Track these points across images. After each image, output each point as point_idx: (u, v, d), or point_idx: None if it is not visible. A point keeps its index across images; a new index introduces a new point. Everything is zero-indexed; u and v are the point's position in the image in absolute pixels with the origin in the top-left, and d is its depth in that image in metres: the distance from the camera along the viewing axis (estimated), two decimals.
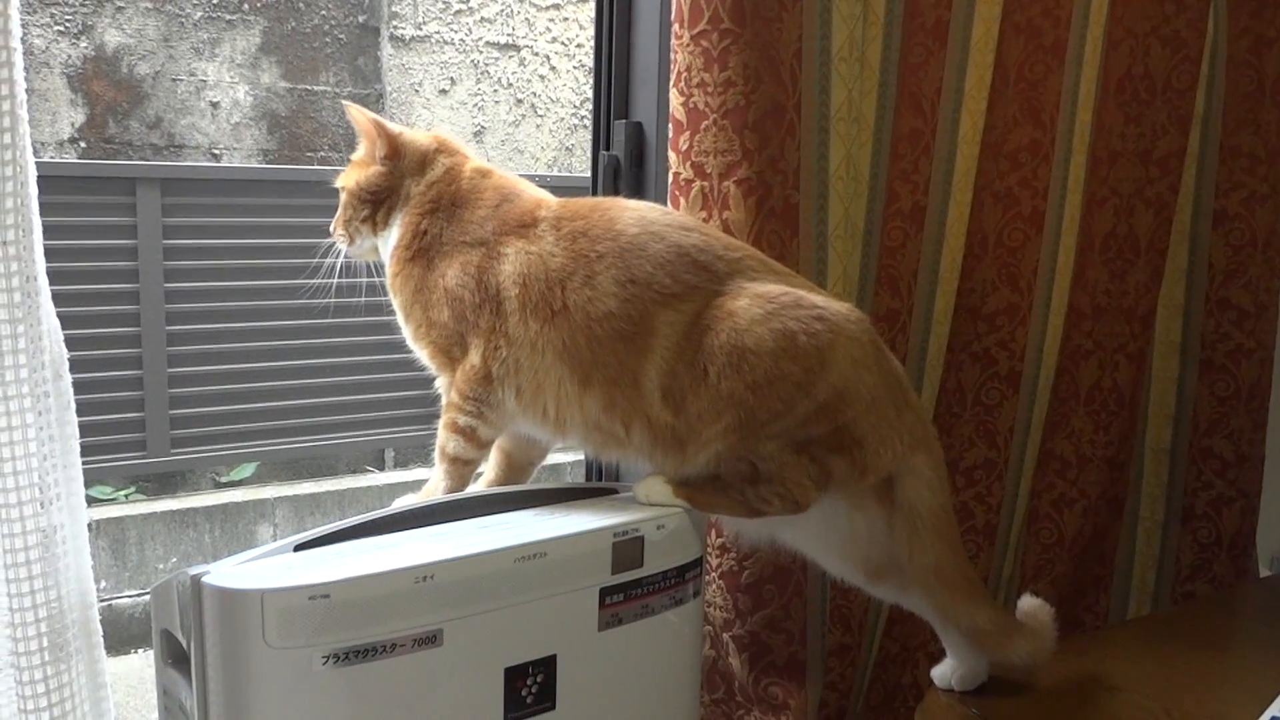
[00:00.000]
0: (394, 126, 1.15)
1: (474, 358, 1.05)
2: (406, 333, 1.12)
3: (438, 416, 1.11)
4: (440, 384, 1.11)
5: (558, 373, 1.03)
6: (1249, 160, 1.62)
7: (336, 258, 1.18)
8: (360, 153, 1.17)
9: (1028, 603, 1.15)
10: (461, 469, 1.08)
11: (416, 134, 1.16)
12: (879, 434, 1.02)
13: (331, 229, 1.18)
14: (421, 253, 1.09)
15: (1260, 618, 1.38)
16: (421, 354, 1.12)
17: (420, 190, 1.12)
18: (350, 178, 1.16)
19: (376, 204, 1.14)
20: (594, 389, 1.02)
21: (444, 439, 1.08)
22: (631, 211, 1.06)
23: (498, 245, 1.06)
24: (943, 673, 1.14)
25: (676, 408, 1.01)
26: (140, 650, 3.04)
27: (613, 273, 1.01)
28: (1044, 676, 1.16)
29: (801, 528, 1.10)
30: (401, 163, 1.13)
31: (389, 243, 1.13)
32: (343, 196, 1.17)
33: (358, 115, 1.14)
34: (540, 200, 1.10)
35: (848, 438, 1.01)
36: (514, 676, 0.92)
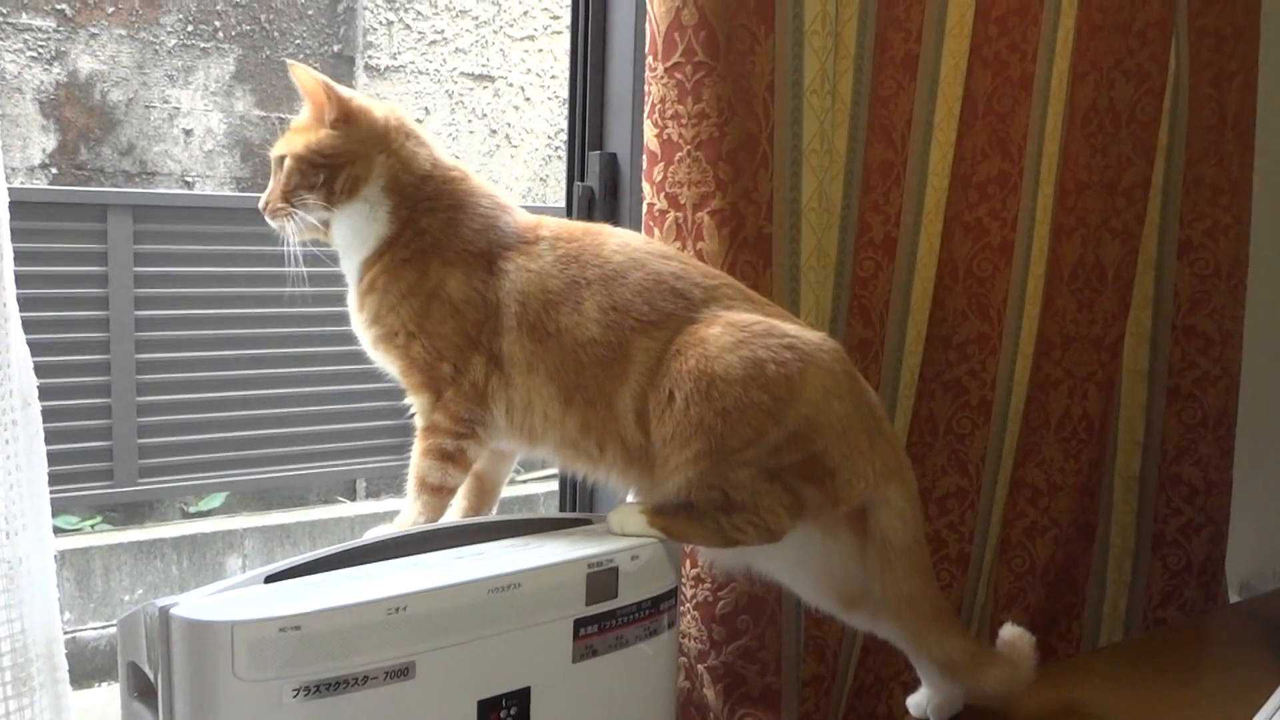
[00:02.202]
0: (345, 90, 1.06)
1: (476, 375, 1.03)
2: (373, 334, 1.05)
3: (410, 446, 1.06)
4: (417, 405, 1.06)
5: (547, 392, 1.03)
6: (1212, 191, 1.65)
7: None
8: (302, 118, 1.06)
9: (1009, 631, 1.15)
10: (444, 499, 1.05)
11: (368, 101, 1.08)
12: (851, 463, 1.02)
13: (263, 204, 1.06)
14: (419, 254, 1.03)
15: (1230, 643, 1.39)
16: (391, 362, 1.05)
17: (409, 179, 1.04)
18: (296, 142, 1.04)
19: (334, 170, 1.03)
20: (574, 410, 1.02)
21: (424, 469, 1.04)
22: (617, 238, 1.06)
23: (498, 260, 1.04)
24: (918, 702, 1.14)
25: (648, 430, 1.01)
26: (105, 684, 2.99)
27: (597, 299, 1.01)
28: (1019, 704, 1.16)
29: (776, 556, 1.10)
30: (356, 129, 1.04)
31: (367, 229, 1.04)
32: (287, 164, 1.04)
33: (304, 75, 1.04)
34: (539, 219, 1.08)
35: (819, 467, 1.01)
36: (487, 709, 0.91)
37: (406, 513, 1.05)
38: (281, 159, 1.05)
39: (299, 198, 1.04)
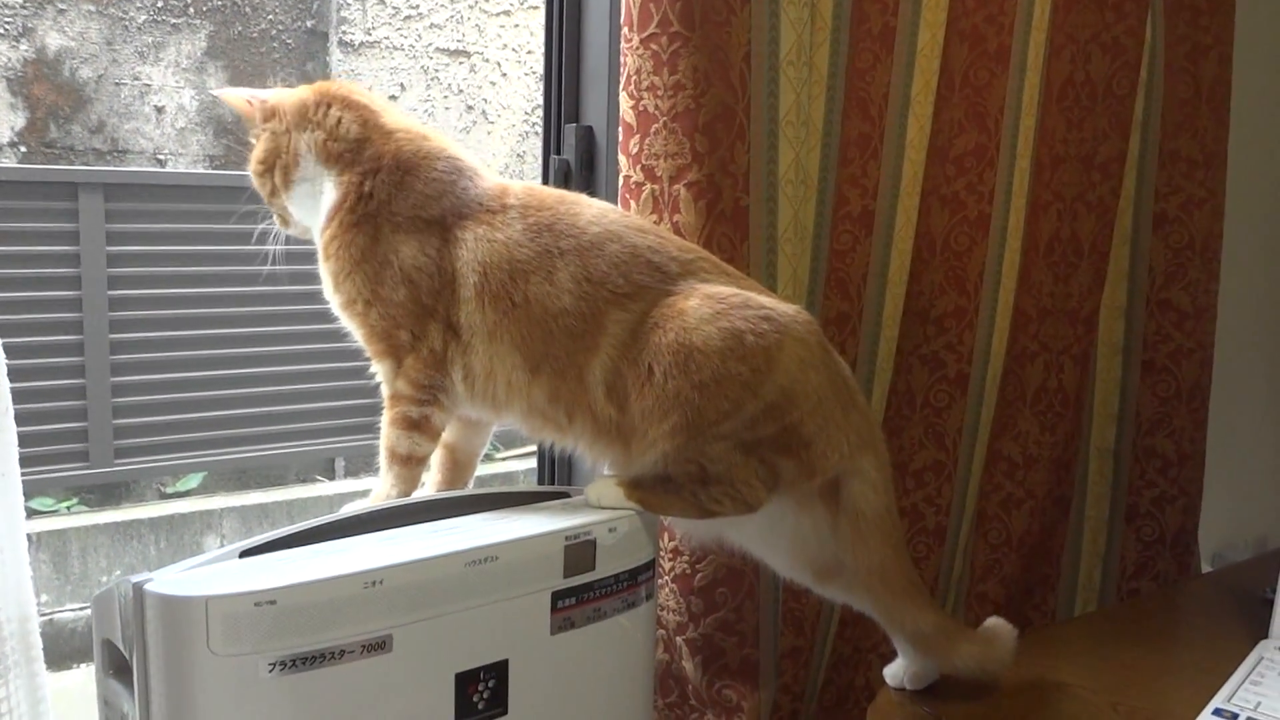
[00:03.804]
0: (265, 93, 1.09)
1: (435, 342, 1.03)
2: (336, 302, 1.07)
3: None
4: (380, 373, 1.06)
5: (512, 360, 1.02)
6: (1187, 165, 1.65)
7: (272, 243, 1.12)
8: (254, 136, 1.11)
9: (992, 620, 1.15)
10: (414, 469, 1.06)
11: (293, 91, 1.10)
12: (826, 435, 1.02)
13: (273, 221, 1.13)
14: (368, 218, 1.03)
15: (1202, 613, 1.40)
16: (354, 329, 1.06)
17: (340, 146, 1.05)
18: (250, 163, 1.10)
19: (272, 169, 1.08)
20: (542, 379, 1.02)
21: (394, 439, 1.04)
22: (593, 209, 1.06)
23: (455, 228, 1.03)
24: (894, 671, 1.15)
25: (620, 404, 1.01)
26: (82, 665, 2.97)
27: (571, 270, 1.01)
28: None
29: (749, 528, 1.11)
30: (280, 122, 1.07)
31: (320, 203, 1.06)
32: (254, 184, 1.11)
33: (228, 98, 1.08)
34: (505, 186, 1.07)
35: (795, 438, 1.01)
36: (465, 682, 0.91)
37: (380, 486, 1.06)
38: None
39: (276, 205, 1.10)
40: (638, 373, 0.99)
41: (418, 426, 1.04)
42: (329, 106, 1.07)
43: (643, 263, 1.02)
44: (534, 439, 1.12)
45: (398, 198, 1.03)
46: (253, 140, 1.10)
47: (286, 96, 1.09)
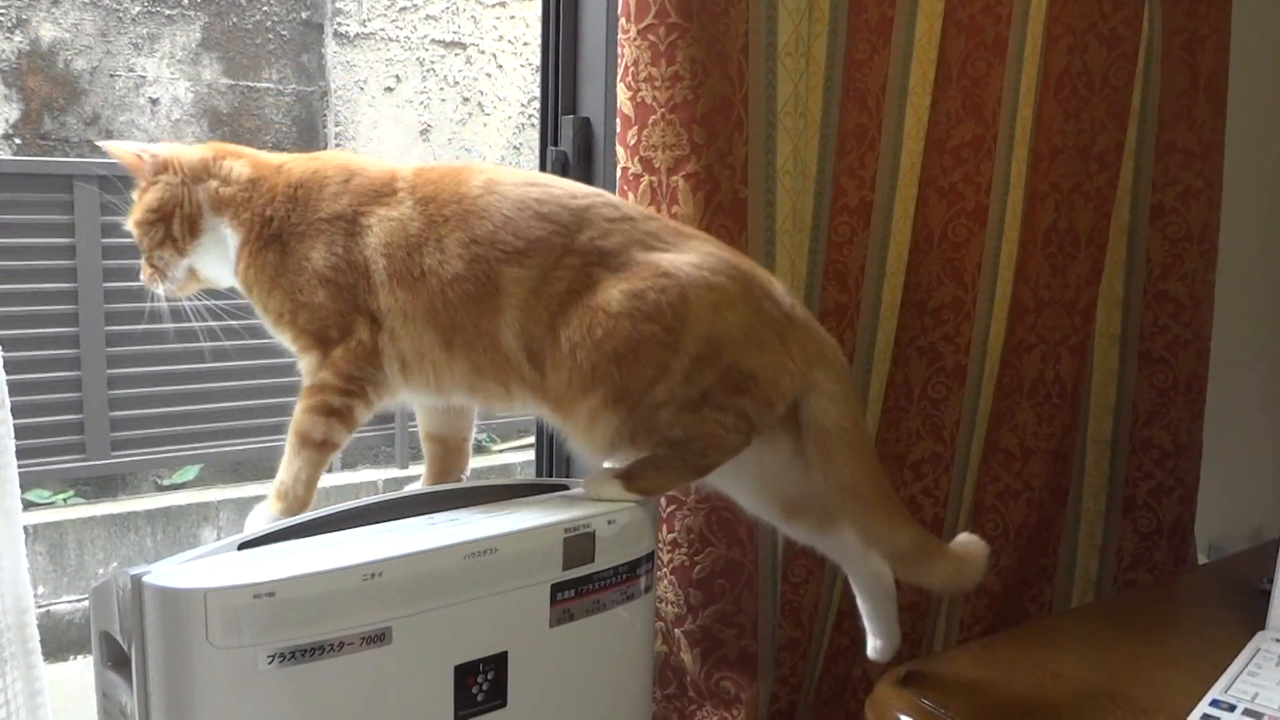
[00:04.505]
0: (155, 146, 1.10)
1: (361, 334, 1.03)
2: (267, 323, 1.08)
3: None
4: (304, 365, 1.06)
5: (429, 339, 1.02)
6: (1184, 155, 1.65)
7: (157, 301, 1.12)
8: (139, 187, 1.11)
9: (963, 536, 1.13)
10: (327, 454, 1.05)
11: (187, 147, 1.12)
12: (767, 363, 1.00)
13: (141, 276, 1.12)
14: (273, 239, 1.05)
15: (1199, 604, 1.40)
16: (286, 339, 1.07)
17: (232, 190, 1.07)
18: (135, 210, 1.10)
19: (167, 220, 1.08)
20: (458, 353, 1.02)
21: (309, 424, 1.03)
22: (480, 174, 1.05)
23: (358, 218, 1.04)
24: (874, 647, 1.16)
25: (542, 371, 1.00)
26: (79, 656, 2.97)
27: (457, 235, 1.01)
28: (991, 666, 1.17)
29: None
30: (175, 174, 1.08)
31: (227, 248, 1.08)
32: (135, 234, 1.10)
33: (116, 149, 1.09)
34: (394, 169, 1.08)
35: (738, 377, 1.00)
36: (464, 674, 0.91)
37: (286, 471, 1.03)
38: (132, 232, 1.10)
39: (157, 258, 1.09)
40: (554, 349, 0.99)
41: (338, 414, 1.04)
42: (223, 158, 1.09)
43: (531, 214, 1.01)
44: (490, 412, 1.12)
45: (296, 212, 1.05)
46: (133, 196, 1.11)
47: (181, 151, 1.10)
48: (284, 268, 1.05)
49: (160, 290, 1.11)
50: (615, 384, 0.97)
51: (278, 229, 1.05)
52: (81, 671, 2.89)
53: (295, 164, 1.09)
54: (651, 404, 0.98)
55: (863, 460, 1.05)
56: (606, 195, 1.06)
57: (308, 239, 1.04)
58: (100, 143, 1.12)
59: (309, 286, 1.04)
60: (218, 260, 1.10)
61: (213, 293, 1.14)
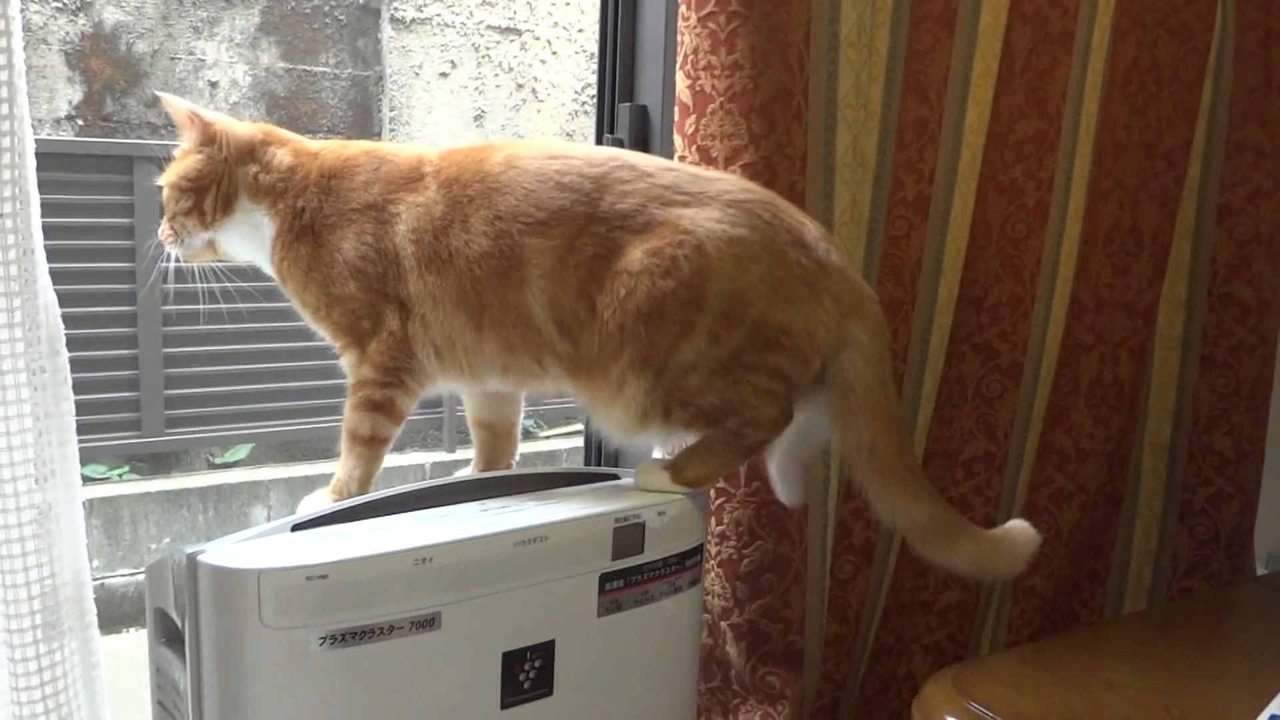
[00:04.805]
0: (210, 114, 1.10)
1: (392, 324, 1.04)
2: (305, 316, 1.09)
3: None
4: (346, 363, 1.08)
5: (458, 322, 1.02)
6: (1255, 155, 1.61)
7: (168, 261, 1.12)
8: (182, 147, 1.11)
9: (1013, 522, 1.06)
10: (378, 449, 1.06)
11: (238, 123, 1.11)
12: (798, 314, 0.98)
13: (160, 232, 1.11)
14: (305, 231, 1.06)
15: (1257, 616, 1.37)
16: (325, 333, 1.09)
17: (272, 178, 1.07)
18: (171, 171, 1.10)
19: (200, 192, 1.08)
20: (488, 333, 1.02)
21: (355, 421, 1.04)
22: (501, 151, 1.05)
23: (388, 206, 1.04)
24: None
25: (574, 340, 1.00)
26: (132, 629, 3.03)
27: (482, 213, 1.00)
28: (1040, 671, 1.15)
29: None
30: (220, 150, 1.08)
31: (262, 236, 1.08)
32: (164, 194, 1.10)
33: (172, 104, 1.09)
34: (421, 154, 1.07)
35: (769, 330, 0.98)
36: (512, 661, 0.91)
37: (342, 468, 1.05)
38: (163, 189, 1.11)
39: (179, 223, 1.09)
40: (579, 314, 0.99)
41: (381, 408, 1.05)
42: (268, 145, 1.09)
43: (552, 185, 1.00)
44: (525, 392, 1.12)
45: (328, 203, 1.06)
46: (175, 153, 1.11)
47: (232, 126, 1.10)
48: (317, 260, 1.05)
49: (175, 252, 1.11)
50: (641, 342, 0.97)
51: (310, 220, 1.06)
52: (134, 645, 2.95)
53: (329, 152, 1.09)
54: (680, 367, 0.97)
55: (884, 424, 1.02)
56: (624, 156, 1.04)
57: (339, 230, 1.05)
58: (159, 93, 1.13)
59: (340, 279, 1.04)
60: (244, 240, 1.11)
61: (264, 276, 1.15)
